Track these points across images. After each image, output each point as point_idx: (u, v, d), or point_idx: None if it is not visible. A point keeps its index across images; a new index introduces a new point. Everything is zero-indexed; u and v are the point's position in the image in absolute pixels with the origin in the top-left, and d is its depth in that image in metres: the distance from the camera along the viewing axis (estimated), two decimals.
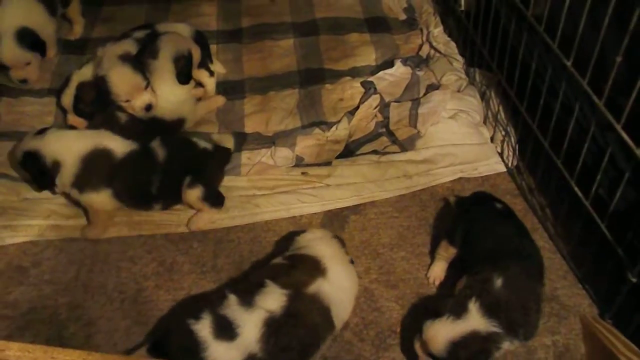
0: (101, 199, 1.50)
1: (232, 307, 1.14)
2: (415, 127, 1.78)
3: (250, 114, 1.88)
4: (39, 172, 1.49)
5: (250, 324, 1.12)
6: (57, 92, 1.90)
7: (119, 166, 1.49)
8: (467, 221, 1.37)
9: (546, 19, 1.35)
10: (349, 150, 1.76)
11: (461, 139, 1.74)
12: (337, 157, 1.73)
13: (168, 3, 2.36)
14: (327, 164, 1.71)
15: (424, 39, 2.12)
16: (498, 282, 1.16)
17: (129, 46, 1.70)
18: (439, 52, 2.02)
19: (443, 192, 1.68)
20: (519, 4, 1.47)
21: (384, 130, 1.82)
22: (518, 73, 1.53)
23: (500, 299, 1.15)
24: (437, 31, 2.08)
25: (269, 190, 1.65)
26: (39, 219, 1.60)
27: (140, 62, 1.66)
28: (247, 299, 1.15)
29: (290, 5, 2.33)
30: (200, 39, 1.90)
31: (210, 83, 1.88)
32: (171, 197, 1.56)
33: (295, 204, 1.63)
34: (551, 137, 1.42)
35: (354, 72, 2.00)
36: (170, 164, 1.52)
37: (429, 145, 1.74)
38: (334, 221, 1.62)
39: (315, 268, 1.22)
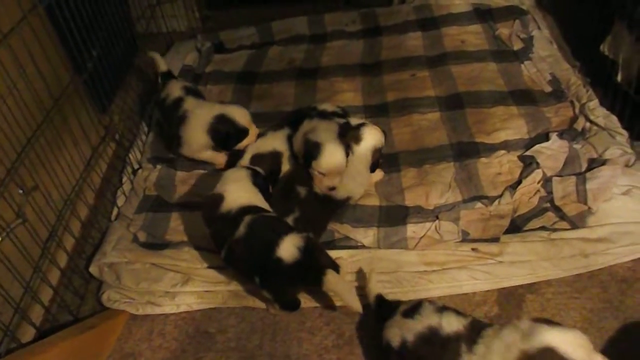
0: None
1: None
2: (585, 203, 1.74)
3: (409, 187, 1.93)
4: None
5: None
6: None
7: None
8: None
9: None
10: (516, 226, 1.75)
11: (638, 217, 1.67)
12: (505, 233, 1.73)
13: (314, 80, 2.53)
14: (495, 239, 1.70)
15: (577, 111, 2.10)
16: None
17: (335, 127, 1.77)
18: (598, 126, 1.99)
19: (624, 273, 1.60)
20: None
21: (548, 205, 1.79)
22: None
23: None
24: (593, 104, 2.05)
25: (439, 266, 1.67)
26: (222, 285, 1.71)
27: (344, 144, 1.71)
28: None
29: (431, 80, 2.41)
30: None
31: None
32: None
33: (468, 281, 1.63)
34: None
35: (507, 146, 2.01)
36: None
37: (603, 222, 1.68)
38: (510, 300, 1.59)
39: None
